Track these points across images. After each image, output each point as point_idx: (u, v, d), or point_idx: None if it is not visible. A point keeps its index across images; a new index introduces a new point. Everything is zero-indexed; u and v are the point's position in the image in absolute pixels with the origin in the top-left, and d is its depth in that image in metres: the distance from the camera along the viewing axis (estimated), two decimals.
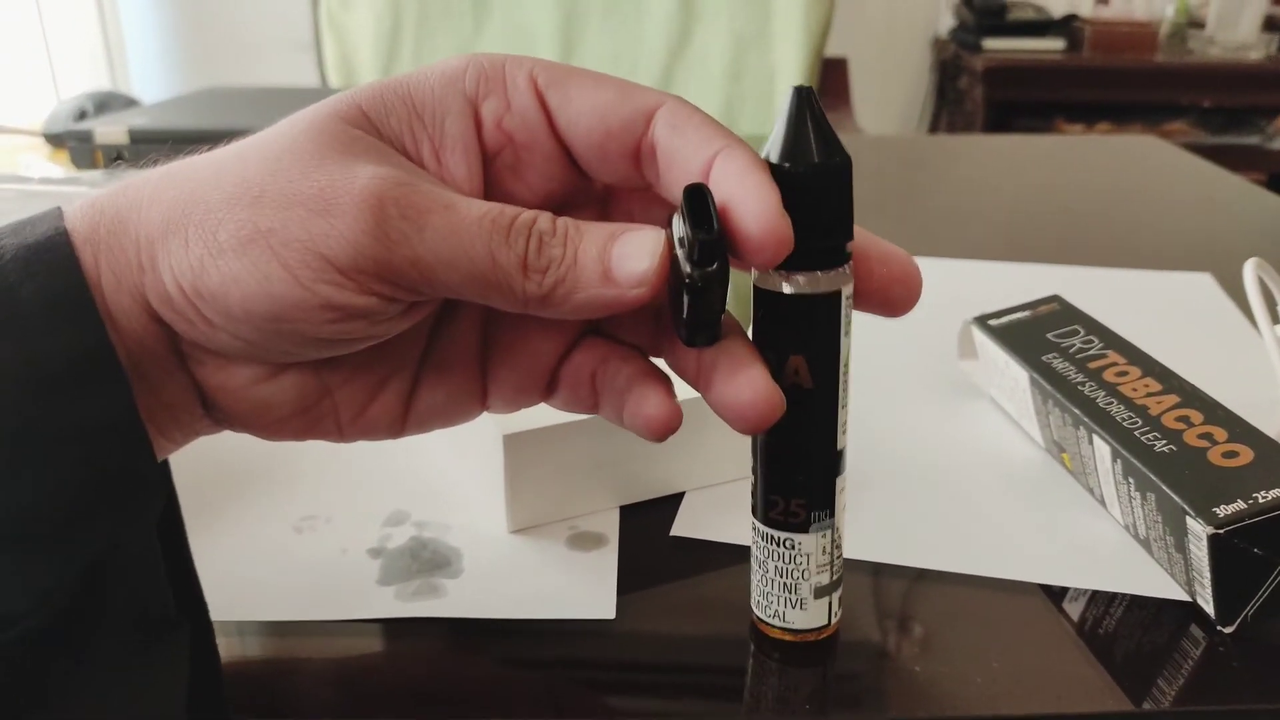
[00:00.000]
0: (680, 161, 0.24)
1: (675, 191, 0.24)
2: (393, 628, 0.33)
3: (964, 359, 0.49)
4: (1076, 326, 0.44)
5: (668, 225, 0.24)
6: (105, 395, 0.22)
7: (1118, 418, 0.37)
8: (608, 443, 0.38)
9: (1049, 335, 0.43)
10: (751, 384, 0.25)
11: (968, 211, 0.84)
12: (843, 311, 0.27)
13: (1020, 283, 0.64)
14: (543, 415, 0.37)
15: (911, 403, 0.48)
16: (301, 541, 0.37)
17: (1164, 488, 0.33)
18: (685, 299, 0.23)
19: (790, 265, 0.27)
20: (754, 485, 0.30)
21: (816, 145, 0.26)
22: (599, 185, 0.27)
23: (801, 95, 0.26)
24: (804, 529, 0.29)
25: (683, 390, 0.39)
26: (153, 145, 0.87)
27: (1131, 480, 0.35)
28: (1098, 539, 0.37)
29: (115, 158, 0.87)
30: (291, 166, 0.23)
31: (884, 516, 0.38)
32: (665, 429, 0.26)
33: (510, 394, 0.28)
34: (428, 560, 0.36)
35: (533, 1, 1.57)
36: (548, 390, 0.28)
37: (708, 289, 0.23)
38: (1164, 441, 0.35)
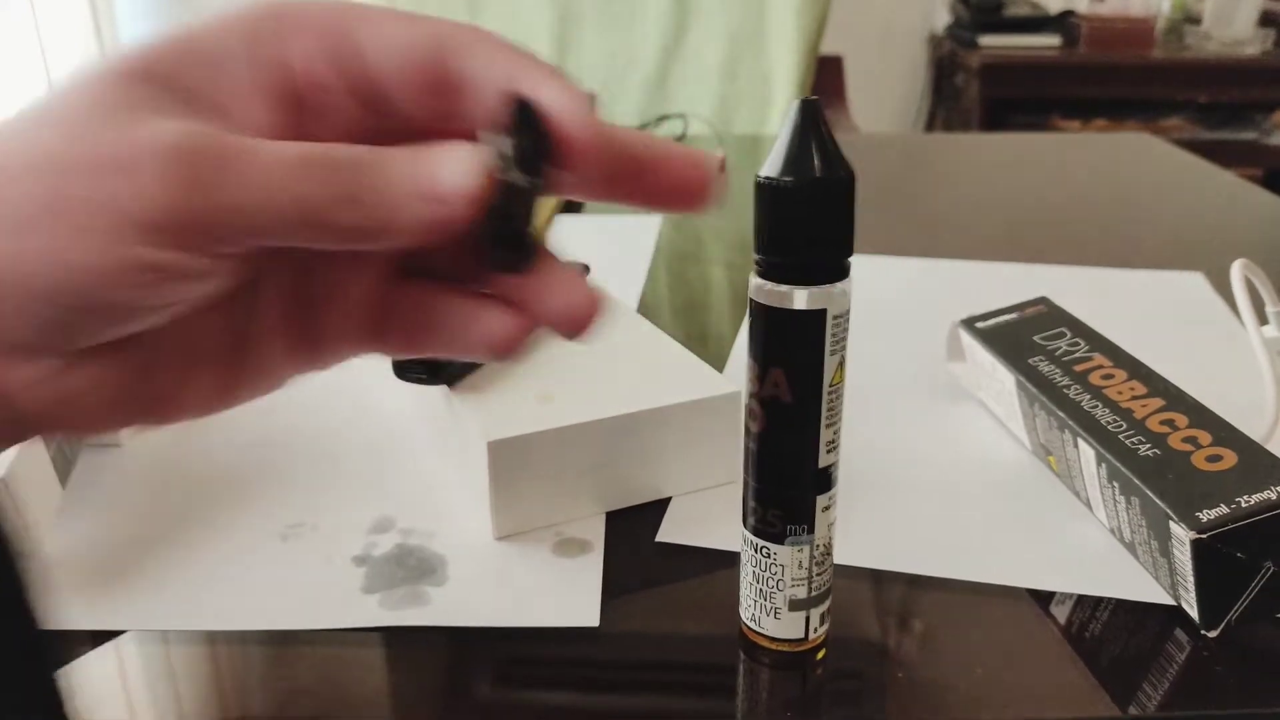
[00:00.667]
0: (487, 82, 0.24)
1: (479, 117, 0.23)
2: (378, 636, 0.33)
3: (952, 361, 0.49)
4: (1063, 329, 0.44)
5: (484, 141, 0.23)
6: None
7: (1102, 421, 0.37)
8: (594, 449, 0.38)
9: (1036, 338, 0.43)
10: (574, 287, 0.24)
11: (961, 211, 0.84)
12: (829, 329, 0.27)
13: (1011, 283, 0.64)
14: (527, 421, 0.37)
15: (899, 405, 0.48)
16: (287, 549, 0.37)
17: (1147, 492, 0.33)
18: (506, 213, 0.22)
19: (780, 278, 0.27)
20: (744, 488, 0.30)
21: (819, 160, 0.26)
22: (403, 125, 0.25)
23: (806, 108, 0.26)
24: (779, 540, 0.29)
25: (671, 396, 0.39)
26: None
27: (1116, 484, 0.35)
28: (1083, 543, 0.37)
29: None
30: (85, 130, 0.21)
31: (871, 521, 0.38)
32: (507, 347, 0.25)
33: (337, 345, 0.26)
34: (413, 568, 0.36)
35: (527, 0, 1.57)
36: (376, 336, 0.26)
37: (532, 195, 0.22)
38: (1148, 445, 0.35)
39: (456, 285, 0.26)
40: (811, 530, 0.29)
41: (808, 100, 0.26)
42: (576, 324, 0.25)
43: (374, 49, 0.24)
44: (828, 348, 0.27)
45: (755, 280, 0.28)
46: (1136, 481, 0.34)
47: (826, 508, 0.29)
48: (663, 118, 1.13)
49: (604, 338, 0.44)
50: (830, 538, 0.30)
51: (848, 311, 0.28)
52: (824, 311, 0.27)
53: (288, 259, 0.25)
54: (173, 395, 0.25)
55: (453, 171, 0.22)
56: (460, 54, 0.24)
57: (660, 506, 0.39)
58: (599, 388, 0.40)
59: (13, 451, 0.34)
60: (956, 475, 0.42)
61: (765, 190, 0.26)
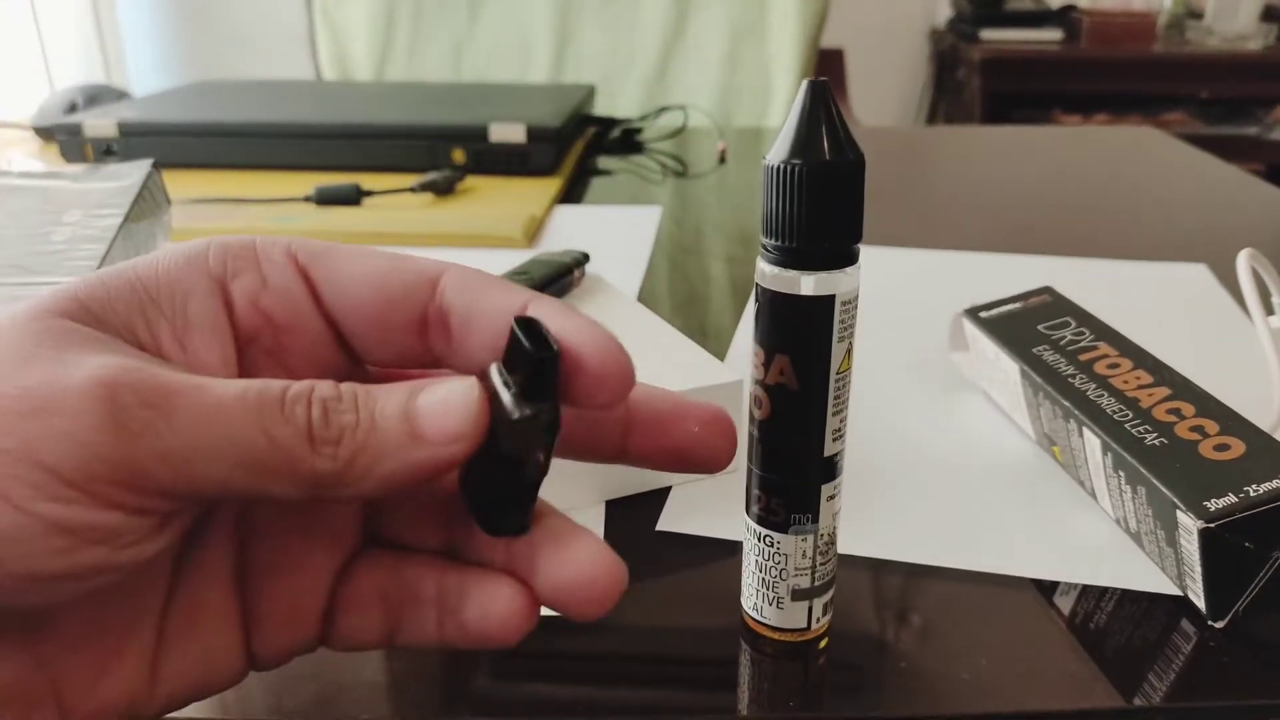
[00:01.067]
0: (484, 316, 0.21)
1: (475, 355, 0.21)
2: None
3: (955, 351, 0.49)
4: (1067, 318, 0.43)
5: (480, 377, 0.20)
6: None
7: (1108, 410, 0.36)
8: None
9: (1040, 327, 0.43)
10: (589, 553, 0.20)
11: (963, 202, 0.83)
12: (836, 314, 0.27)
13: (1014, 274, 0.63)
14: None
15: (902, 395, 0.47)
16: None
17: (1154, 481, 0.33)
18: (510, 455, 0.19)
19: (788, 263, 0.26)
20: (747, 475, 0.30)
21: (828, 142, 0.25)
22: (372, 369, 0.23)
23: (815, 90, 0.26)
24: (783, 529, 0.29)
25: (672, 384, 0.38)
26: (143, 138, 0.87)
27: (1122, 473, 0.35)
28: (1088, 533, 0.37)
29: (105, 151, 0.87)
30: (4, 371, 0.18)
31: (874, 510, 0.38)
32: (521, 629, 0.21)
33: (278, 636, 0.22)
34: None
35: None
36: (324, 622, 0.22)
37: (546, 430, 0.19)
38: (1155, 434, 0.35)
39: (431, 556, 0.22)
40: (816, 519, 0.29)
41: (816, 82, 0.26)
42: (594, 599, 0.20)
43: (350, 281, 0.21)
44: (835, 334, 0.27)
45: (762, 265, 0.27)
46: (1143, 470, 0.33)
47: (832, 496, 0.29)
48: (663, 109, 1.12)
49: (603, 322, 0.44)
50: (835, 527, 0.30)
51: (856, 297, 0.27)
52: (832, 297, 0.27)
53: (227, 525, 0.21)
54: (80, 699, 0.20)
55: (449, 408, 0.19)
56: (452, 289, 0.21)
57: (661, 496, 0.39)
58: None
59: None
60: (959, 465, 0.41)
61: (773, 174, 0.26)
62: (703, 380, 0.39)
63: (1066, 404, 0.38)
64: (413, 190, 0.78)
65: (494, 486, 0.20)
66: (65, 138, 0.87)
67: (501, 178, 0.86)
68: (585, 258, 0.51)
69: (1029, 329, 0.43)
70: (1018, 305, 0.45)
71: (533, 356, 0.19)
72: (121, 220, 0.43)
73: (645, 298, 0.61)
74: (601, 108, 1.40)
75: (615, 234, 0.74)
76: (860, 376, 0.49)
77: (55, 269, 0.39)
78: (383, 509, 0.23)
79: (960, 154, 1.03)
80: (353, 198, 0.76)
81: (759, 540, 0.30)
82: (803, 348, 0.27)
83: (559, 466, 0.37)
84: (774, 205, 0.26)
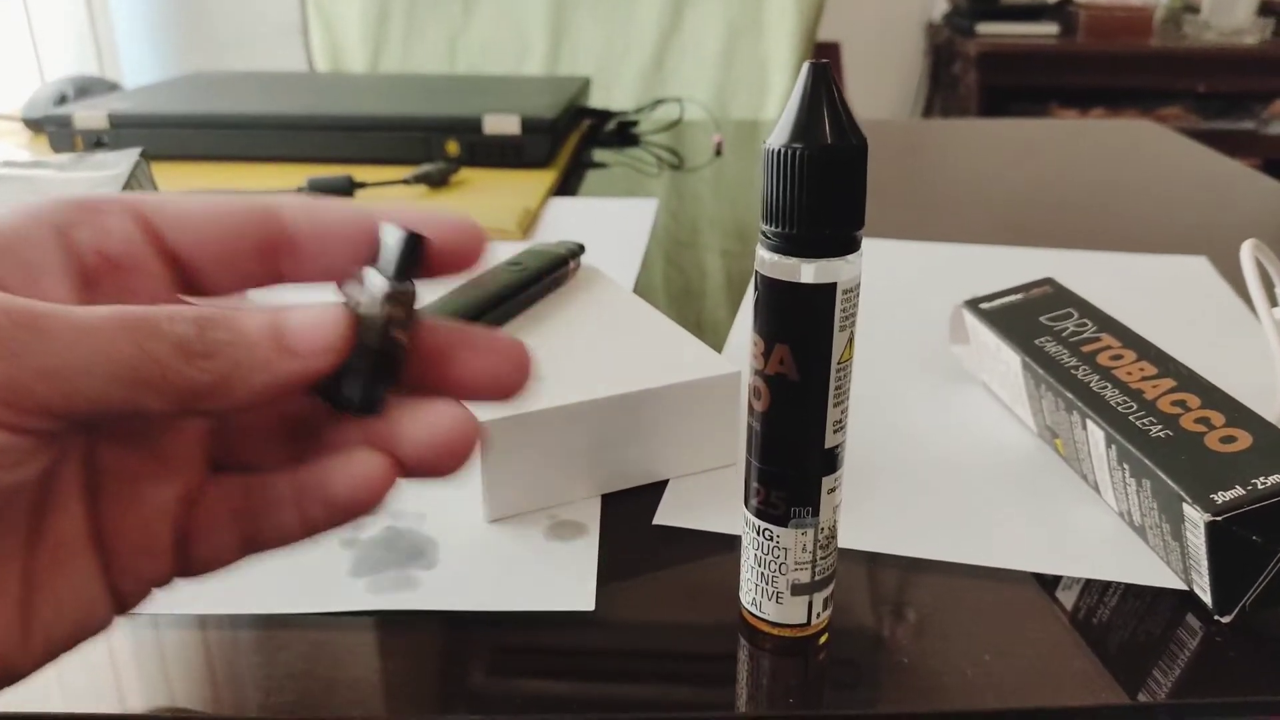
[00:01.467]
0: (337, 230, 0.23)
1: (332, 268, 0.22)
2: (366, 622, 0.32)
3: (955, 343, 0.48)
4: (1070, 309, 0.43)
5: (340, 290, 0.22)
6: None
7: (1112, 402, 0.36)
8: (589, 429, 0.37)
9: (1041, 318, 0.42)
10: (444, 414, 0.22)
11: (962, 196, 0.83)
12: (838, 303, 0.26)
13: (1014, 267, 0.63)
14: (520, 402, 0.36)
15: (901, 388, 0.47)
16: None
17: (1160, 474, 0.32)
18: (373, 345, 0.21)
19: (788, 250, 0.26)
20: (745, 468, 0.29)
21: (830, 126, 0.25)
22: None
23: (816, 72, 0.25)
24: (782, 522, 0.28)
25: (669, 376, 0.38)
26: (133, 130, 0.86)
27: (1126, 466, 0.34)
28: (1091, 526, 0.36)
29: (95, 143, 0.86)
30: None
31: (874, 505, 0.38)
32: (383, 489, 0.22)
33: (136, 570, 0.22)
34: (402, 550, 0.35)
35: None
36: (178, 551, 0.23)
37: (408, 309, 0.21)
38: (1160, 426, 0.34)
39: (288, 466, 0.23)
40: (816, 513, 0.28)
41: (818, 63, 0.25)
42: (451, 456, 0.22)
43: (193, 221, 0.23)
44: (837, 323, 0.26)
45: (762, 252, 0.26)
46: (1148, 463, 0.33)
47: (832, 489, 0.28)
48: (659, 102, 1.11)
49: (598, 314, 0.43)
50: (835, 520, 0.29)
51: (858, 285, 0.27)
52: (834, 285, 0.26)
53: (76, 465, 0.22)
54: None
55: (317, 324, 0.21)
56: (299, 215, 0.23)
57: (658, 489, 0.38)
58: (593, 366, 0.39)
59: None
60: (960, 459, 0.41)
61: (774, 158, 0.25)
62: (699, 372, 0.38)
63: (1069, 395, 0.37)
64: (406, 182, 0.77)
65: (355, 376, 0.21)
66: (55, 129, 0.86)
67: (496, 170, 0.85)
68: (580, 248, 0.50)
69: (1031, 320, 0.42)
70: (1019, 297, 0.45)
71: (402, 237, 0.21)
72: None
73: (641, 290, 0.61)
74: (597, 101, 1.39)
75: (611, 226, 0.73)
76: (859, 369, 0.48)
77: None
78: (227, 433, 0.24)
79: (958, 147, 1.03)
80: (345, 190, 0.76)
81: (758, 534, 0.29)
82: (803, 337, 0.26)
83: (556, 463, 0.36)
84: (774, 190, 0.26)
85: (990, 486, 0.39)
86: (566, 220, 0.74)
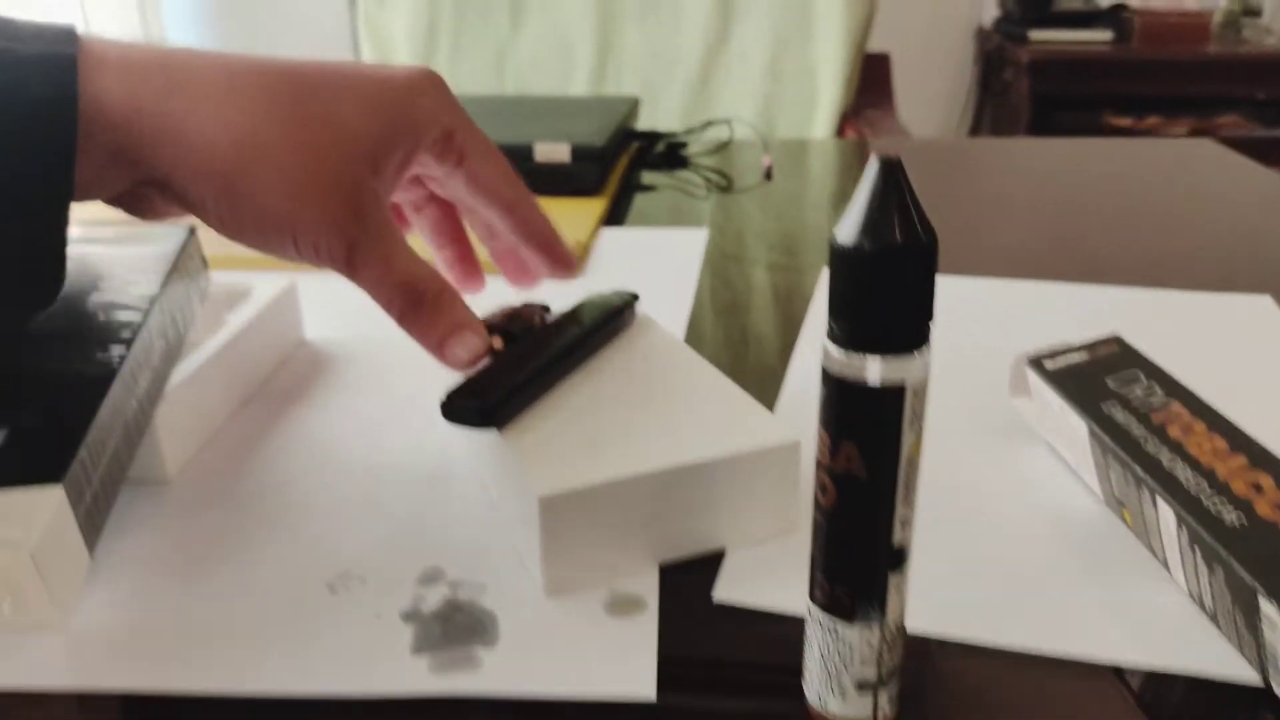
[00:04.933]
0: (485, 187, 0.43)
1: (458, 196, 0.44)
2: (427, 704, 0.32)
3: (1016, 396, 0.47)
4: (1137, 371, 0.42)
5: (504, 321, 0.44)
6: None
7: (1183, 481, 0.35)
8: (647, 501, 0.37)
9: (1108, 381, 0.41)
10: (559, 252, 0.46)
11: (1014, 222, 0.81)
12: (908, 402, 0.26)
13: (1071, 306, 0.62)
14: (579, 473, 0.36)
15: (961, 445, 0.46)
16: (336, 603, 0.36)
17: (1234, 564, 0.31)
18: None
19: (856, 345, 0.25)
20: (811, 557, 0.29)
21: (900, 224, 0.24)
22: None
23: (886, 170, 0.25)
24: (848, 618, 0.28)
25: (727, 446, 0.37)
26: None
27: (1198, 549, 0.33)
28: (1161, 608, 0.35)
29: None
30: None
31: (935, 577, 0.37)
32: None
33: None
34: (462, 625, 0.35)
35: (570, 1, 1.55)
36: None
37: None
38: (1233, 511, 0.33)
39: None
40: (883, 610, 0.28)
41: (889, 160, 0.25)
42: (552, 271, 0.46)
43: (472, 178, 0.42)
44: (906, 421, 0.26)
45: (829, 347, 0.26)
46: (1222, 552, 0.32)
47: (899, 585, 0.28)
48: (708, 123, 1.11)
49: (653, 371, 0.43)
50: (902, 616, 0.29)
51: (927, 381, 0.26)
52: (902, 385, 0.26)
53: None
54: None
55: (466, 348, 0.40)
56: (473, 154, 0.42)
57: (716, 558, 0.38)
58: (650, 433, 0.38)
59: (44, 518, 0.34)
60: (1024, 527, 0.40)
61: (842, 255, 0.25)
62: (759, 442, 0.38)
63: (1139, 471, 0.36)
64: None
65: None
66: None
67: (546, 197, 0.85)
68: (634, 298, 0.50)
69: (1097, 383, 0.41)
70: (1084, 355, 0.44)
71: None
72: (159, 290, 0.43)
73: (694, 328, 0.60)
74: (644, 114, 1.38)
75: (662, 259, 0.73)
76: None
77: (90, 337, 0.39)
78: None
79: (1007, 168, 1.01)
80: None
81: (822, 629, 0.29)
82: (871, 436, 0.26)
83: (615, 534, 0.36)
84: (841, 287, 0.25)
85: (1055, 559, 0.38)
86: (618, 253, 0.74)
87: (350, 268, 0.37)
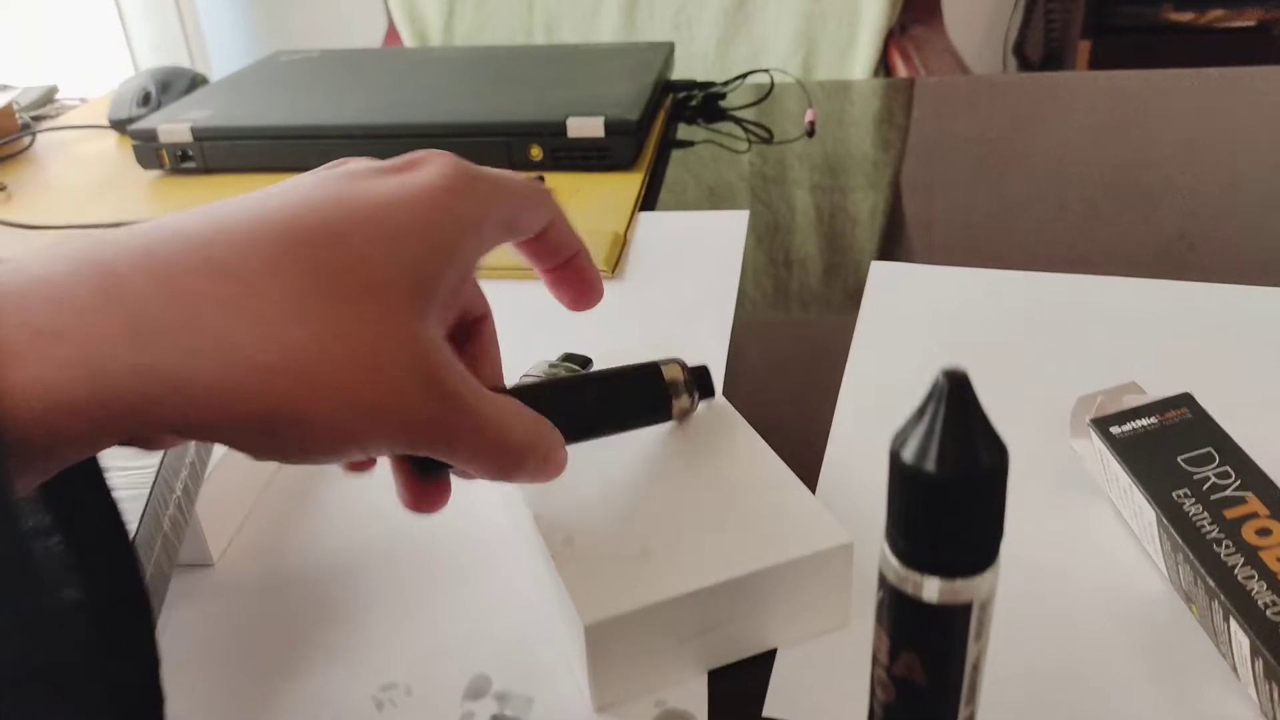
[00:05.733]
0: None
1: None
2: None
3: (1076, 438, 0.45)
4: (1210, 449, 0.39)
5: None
6: None
7: (1258, 600, 0.33)
8: (696, 615, 0.36)
9: (1180, 460, 0.39)
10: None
11: (1061, 193, 0.77)
12: (973, 619, 0.24)
13: (1129, 304, 0.58)
14: (625, 594, 0.35)
15: (1017, 492, 0.44)
16: (383, 718, 0.36)
17: None
18: None
19: (921, 568, 0.24)
20: None
21: (970, 447, 0.22)
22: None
23: (955, 384, 0.22)
24: None
25: (779, 553, 0.36)
26: (215, 142, 0.85)
27: (1274, 687, 0.32)
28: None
29: (181, 156, 0.85)
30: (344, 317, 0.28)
31: (989, 663, 0.36)
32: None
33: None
34: None
35: None
36: None
37: None
38: None
39: None
40: None
41: (956, 375, 0.23)
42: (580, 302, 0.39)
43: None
44: (971, 636, 0.25)
45: (887, 553, 0.25)
46: None
47: None
48: (748, 73, 1.06)
49: (706, 459, 0.41)
50: None
51: (993, 596, 0.25)
52: (968, 605, 0.24)
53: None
54: None
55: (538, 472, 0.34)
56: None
57: (766, 660, 0.37)
58: (701, 540, 0.37)
59: None
60: (1086, 610, 0.38)
61: (907, 475, 0.23)
62: (812, 546, 0.36)
63: (1211, 583, 0.34)
64: None
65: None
66: (140, 144, 0.86)
67: (580, 174, 0.82)
68: (707, 379, 0.47)
69: (1168, 461, 0.39)
70: (1154, 421, 0.42)
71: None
72: None
73: (739, 324, 0.58)
74: (679, 35, 1.32)
75: (703, 247, 0.70)
76: None
77: None
78: None
79: (1055, 110, 0.95)
80: None
81: None
82: (934, 650, 0.25)
83: (663, 648, 0.35)
84: (904, 506, 0.24)
85: (1112, 646, 0.36)
86: (657, 244, 0.71)
87: (441, 450, 0.29)
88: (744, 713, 0.36)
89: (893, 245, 0.71)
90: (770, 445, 0.43)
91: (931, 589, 0.24)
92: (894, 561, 0.24)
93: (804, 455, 0.48)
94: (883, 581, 0.25)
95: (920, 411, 0.23)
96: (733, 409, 0.45)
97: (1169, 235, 0.69)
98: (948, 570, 0.24)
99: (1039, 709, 0.35)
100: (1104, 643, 0.37)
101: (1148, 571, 0.40)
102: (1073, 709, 0.35)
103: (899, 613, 0.25)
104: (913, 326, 0.59)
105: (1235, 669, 0.35)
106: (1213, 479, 0.38)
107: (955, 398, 0.23)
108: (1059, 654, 0.37)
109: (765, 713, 0.36)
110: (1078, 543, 0.42)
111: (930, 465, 0.22)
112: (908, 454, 0.23)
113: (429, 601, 0.41)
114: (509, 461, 0.32)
